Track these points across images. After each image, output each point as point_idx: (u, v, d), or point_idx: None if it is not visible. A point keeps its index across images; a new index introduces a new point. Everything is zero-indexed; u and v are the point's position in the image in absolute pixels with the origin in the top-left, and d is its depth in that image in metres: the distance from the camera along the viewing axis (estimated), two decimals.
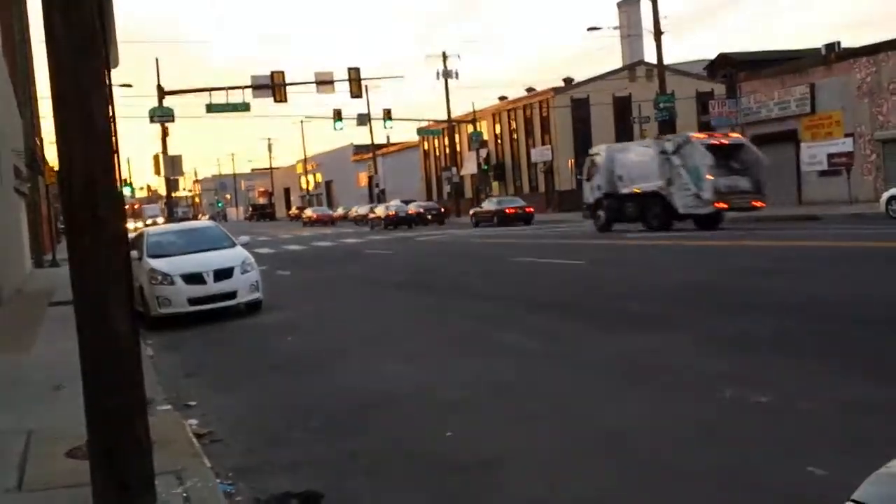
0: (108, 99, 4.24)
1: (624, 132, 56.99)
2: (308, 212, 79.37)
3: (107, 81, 4.24)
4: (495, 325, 11.07)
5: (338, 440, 6.36)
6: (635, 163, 29.56)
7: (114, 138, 4.25)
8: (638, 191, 29.01)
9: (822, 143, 33.52)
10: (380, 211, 54.32)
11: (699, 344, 8.82)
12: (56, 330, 12.26)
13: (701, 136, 28.93)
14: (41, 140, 33.87)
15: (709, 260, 17.74)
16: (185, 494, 4.71)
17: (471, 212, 49.36)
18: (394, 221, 50.65)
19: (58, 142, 4.21)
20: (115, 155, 4.25)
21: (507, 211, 44.93)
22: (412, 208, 53.13)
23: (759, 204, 26.93)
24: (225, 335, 12.44)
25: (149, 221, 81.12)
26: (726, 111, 40.38)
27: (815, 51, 42.42)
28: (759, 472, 5.01)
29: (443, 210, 58.60)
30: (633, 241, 24.56)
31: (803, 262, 15.78)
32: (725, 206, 26.48)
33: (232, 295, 13.97)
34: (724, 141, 28.11)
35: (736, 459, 5.25)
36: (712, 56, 58.64)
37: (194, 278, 13.77)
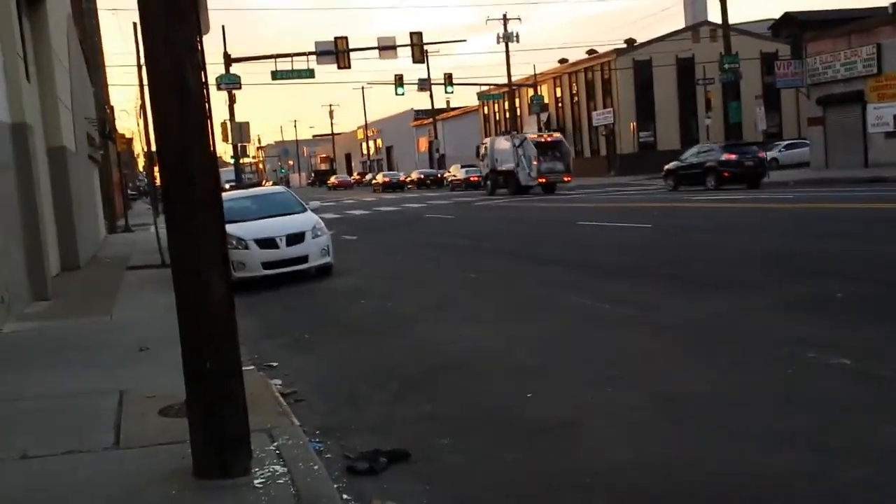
0: (201, 65, 4.30)
1: (687, 94, 55.96)
2: (379, 176, 79.17)
3: (198, 48, 4.29)
4: (564, 289, 11.04)
5: (417, 401, 6.44)
6: (502, 150, 42.25)
7: (207, 104, 4.31)
8: (503, 169, 42.03)
9: (889, 105, 32.47)
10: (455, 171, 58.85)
11: (773, 307, 8.69)
12: (134, 293, 12.62)
13: (533, 136, 42.75)
14: (111, 108, 34.60)
15: (775, 223, 17.38)
16: (277, 451, 4.82)
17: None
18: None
19: (153, 108, 4.29)
20: (209, 120, 4.32)
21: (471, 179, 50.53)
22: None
23: (567, 179, 41.31)
24: (299, 299, 12.64)
25: (226, 186, 78.49)
26: (791, 72, 39.31)
27: (883, 10, 40.93)
28: (841, 435, 4.94)
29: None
30: (697, 204, 24.17)
31: (867, 224, 15.37)
32: (545, 180, 39.98)
33: (304, 259, 14.19)
34: (548, 139, 42.10)
35: (816, 423, 5.19)
36: (777, 15, 57.11)
37: (268, 243, 14.02)
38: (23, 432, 5.41)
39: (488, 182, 43.88)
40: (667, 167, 35.19)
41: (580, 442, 5.27)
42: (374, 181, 76.28)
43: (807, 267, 11.15)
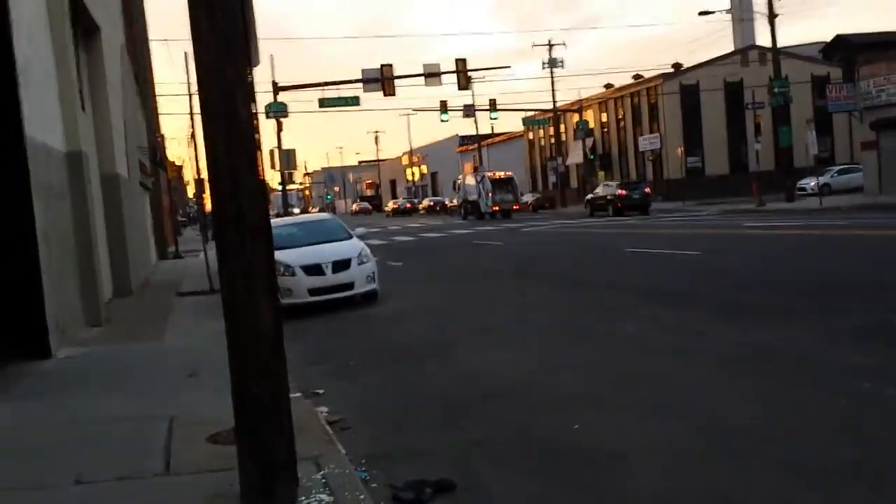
0: (251, 96, 4.37)
1: (736, 119, 55.38)
2: (426, 201, 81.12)
3: (249, 80, 4.37)
4: (611, 316, 10.94)
5: (462, 429, 6.41)
6: (469, 185, 55.29)
7: (256, 135, 4.38)
8: (470, 199, 54.50)
9: None
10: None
11: (826, 335, 8.53)
12: (185, 319, 12.79)
13: (490, 174, 54.61)
14: (162, 136, 35.33)
15: (825, 249, 17.05)
16: (324, 480, 4.83)
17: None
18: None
19: (204, 138, 4.37)
20: (258, 151, 4.38)
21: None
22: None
23: (516, 207, 53.19)
24: (344, 325, 12.70)
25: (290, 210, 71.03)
26: (843, 95, 38.67)
27: None
28: None
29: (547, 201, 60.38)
30: (750, 231, 23.83)
31: None
32: (497, 208, 51.50)
33: (349, 286, 14.27)
34: (501, 176, 54.01)
35: (871, 456, 5.04)
36: (828, 38, 56.33)
37: (314, 269, 14.14)
38: (76, 457, 5.49)
39: (461, 209, 57.14)
40: (587, 198, 48.40)
41: (627, 473, 5.19)
42: (385, 208, 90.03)
43: (860, 294, 10.91)
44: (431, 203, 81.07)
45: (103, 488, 4.87)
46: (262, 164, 4.39)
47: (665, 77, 58.02)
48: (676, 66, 60.08)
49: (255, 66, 4.63)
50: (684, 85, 56.96)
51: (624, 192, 42.46)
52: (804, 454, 5.22)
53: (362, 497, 4.64)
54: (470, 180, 55.79)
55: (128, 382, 8.17)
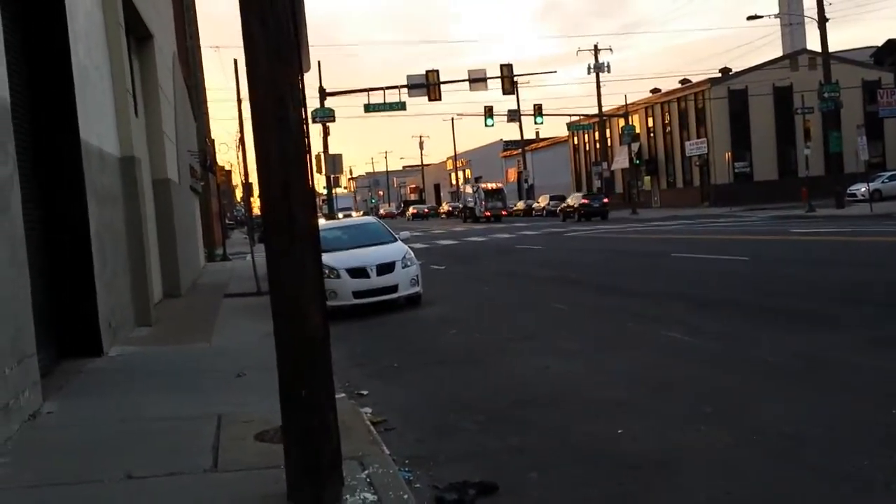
0: (301, 102, 4.47)
1: (785, 124, 54.59)
2: (445, 205, 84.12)
3: (300, 85, 4.47)
4: (655, 322, 10.89)
5: (504, 433, 6.45)
6: (468, 194, 68.46)
7: (306, 140, 4.48)
8: (468, 206, 66.93)
9: None
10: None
11: (873, 343, 8.44)
12: (232, 321, 13.01)
13: (484, 185, 67.63)
14: (212, 141, 35.88)
15: (874, 257, 16.75)
16: (368, 480, 4.91)
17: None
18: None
19: (255, 144, 4.48)
20: (308, 155, 4.48)
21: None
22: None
23: (504, 213, 63.92)
24: (388, 328, 12.81)
25: (340, 216, 66.96)
26: (895, 101, 37.90)
27: None
28: None
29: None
30: (798, 237, 23.48)
31: None
32: (489, 213, 62.31)
33: (393, 289, 14.39)
34: (492, 187, 66.31)
35: None
36: (879, 43, 55.18)
37: (359, 272, 14.28)
38: (128, 453, 5.64)
39: (462, 214, 69.67)
40: (560, 206, 57.04)
41: (670, 480, 5.19)
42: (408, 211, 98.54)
43: None
44: (450, 208, 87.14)
45: (153, 483, 5.01)
46: (311, 171, 4.49)
47: (713, 82, 57.38)
48: (724, 70, 59.38)
49: (306, 71, 4.74)
50: (732, 90, 56.28)
51: (586, 201, 52.79)
52: (849, 462, 5.18)
53: (406, 497, 4.71)
54: (468, 190, 70.59)
55: (177, 381, 8.35)
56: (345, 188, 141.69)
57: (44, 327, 7.93)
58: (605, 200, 53.11)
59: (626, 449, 5.85)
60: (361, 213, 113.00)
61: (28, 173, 8.06)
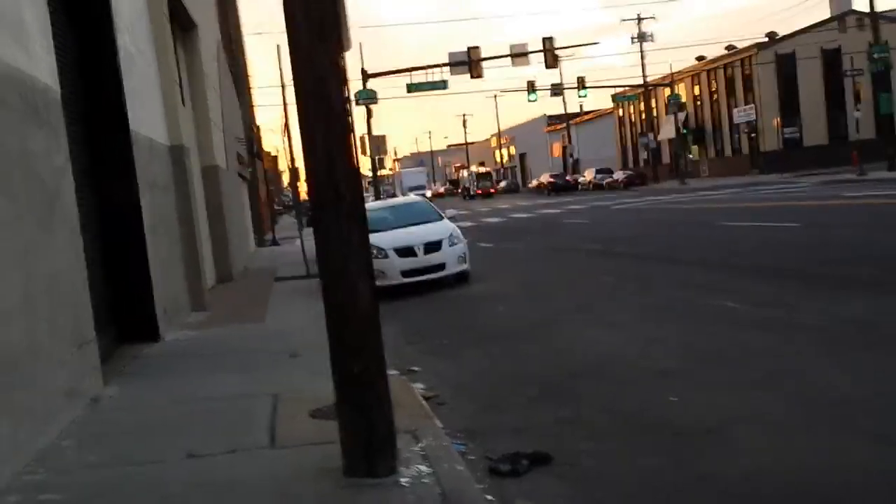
0: (343, 80, 4.50)
1: (834, 87, 53.37)
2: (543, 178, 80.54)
3: (341, 64, 4.50)
4: (704, 292, 10.79)
5: (556, 405, 6.47)
6: (465, 177, 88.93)
7: (349, 118, 4.51)
8: (466, 186, 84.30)
9: None
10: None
11: None
12: (284, 303, 13.19)
13: (474, 168, 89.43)
14: (258, 128, 36.24)
15: None
16: (422, 452, 4.97)
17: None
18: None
19: (300, 123, 4.53)
20: (351, 134, 4.52)
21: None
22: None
23: (493, 190, 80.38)
24: (437, 305, 12.89)
25: (409, 194, 58.99)
26: None
27: None
28: None
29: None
30: (849, 202, 22.99)
31: None
32: (480, 191, 79.34)
33: (441, 267, 14.45)
34: (482, 170, 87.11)
35: None
36: None
37: (406, 251, 14.37)
38: (187, 433, 5.78)
39: (463, 191, 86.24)
40: (532, 183, 75.91)
41: (723, 447, 5.17)
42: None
43: None
44: (444, 189, 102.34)
45: (213, 461, 5.13)
46: (355, 148, 4.53)
47: (760, 47, 56.26)
48: (771, 35, 58.15)
49: (347, 50, 4.76)
50: (780, 54, 55.15)
51: (553, 179, 68.27)
52: None
53: (460, 468, 4.76)
54: (464, 174, 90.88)
55: (232, 362, 8.50)
56: (390, 170, 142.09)
57: (102, 314, 8.14)
58: (568, 178, 69.99)
59: (677, 417, 5.83)
60: (440, 187, 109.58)
61: (81, 163, 8.24)
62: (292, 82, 4.44)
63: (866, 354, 6.95)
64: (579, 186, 68.57)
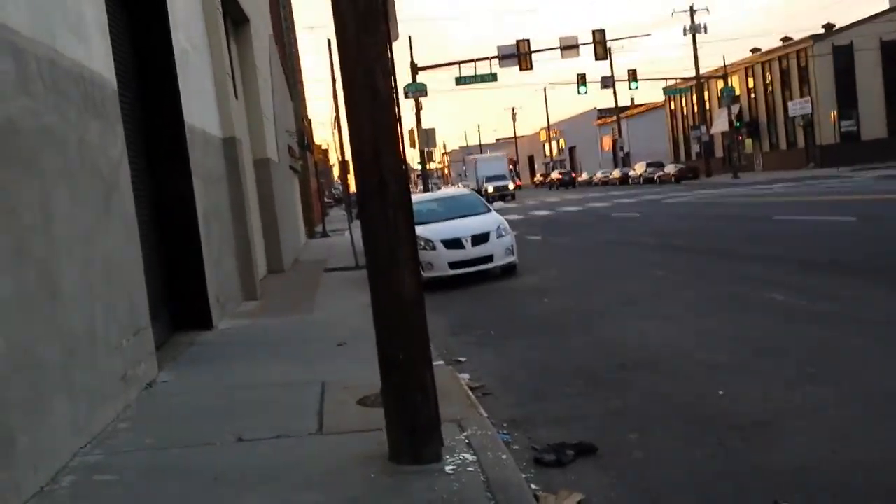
0: (391, 71, 4.55)
1: (893, 79, 52.01)
2: (598, 174, 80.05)
3: (388, 54, 4.55)
4: (758, 286, 10.64)
5: (603, 397, 6.45)
6: (465, 171, 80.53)
7: (396, 108, 4.56)
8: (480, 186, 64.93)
9: None
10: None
11: None
12: (333, 294, 13.34)
13: (482, 156, 75.48)
14: (309, 121, 36.61)
15: None
16: (467, 441, 5.01)
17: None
18: None
19: (347, 112, 4.59)
20: (398, 124, 4.56)
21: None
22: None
23: (515, 187, 66.94)
24: (485, 297, 12.91)
25: (490, 188, 60.29)
26: None
27: None
28: None
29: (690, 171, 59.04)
30: None
31: None
32: (495, 193, 59.27)
33: (489, 259, 14.47)
34: (493, 157, 72.40)
35: None
36: None
37: (454, 243, 14.43)
38: (238, 418, 5.90)
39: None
40: (546, 179, 76.58)
41: (774, 440, 5.11)
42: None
43: None
44: (558, 176, 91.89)
45: (262, 445, 5.24)
46: (401, 137, 4.57)
47: (816, 38, 55.05)
48: (828, 26, 56.87)
49: (395, 40, 4.81)
50: (837, 46, 53.89)
51: (560, 176, 74.25)
52: None
53: (504, 457, 4.78)
54: (464, 169, 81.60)
55: (282, 351, 8.64)
56: (439, 163, 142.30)
57: (157, 302, 8.33)
58: (573, 175, 74.44)
59: (727, 409, 5.77)
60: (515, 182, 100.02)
61: (137, 155, 8.44)
62: (340, 72, 4.49)
63: None
64: (630, 181, 67.97)
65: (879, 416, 5.34)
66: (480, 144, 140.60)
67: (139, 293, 7.13)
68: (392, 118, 4.48)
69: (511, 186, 64.15)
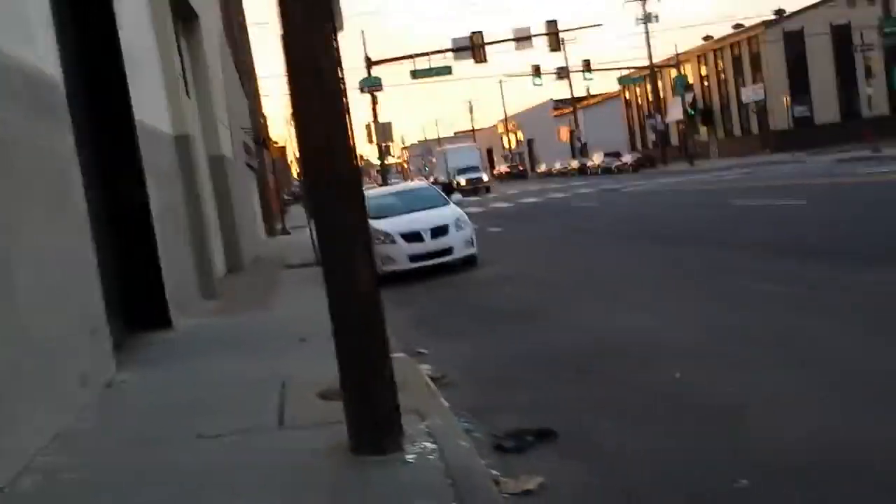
0: (337, 60, 4.53)
1: (845, 64, 52.92)
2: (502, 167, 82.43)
3: (335, 45, 4.53)
4: (723, 271, 10.77)
5: (565, 385, 6.50)
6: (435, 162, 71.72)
7: (344, 97, 4.55)
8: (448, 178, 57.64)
9: None
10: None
11: None
12: (293, 290, 13.27)
13: (451, 146, 70.49)
14: (264, 118, 36.34)
15: None
16: (427, 430, 5.02)
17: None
18: None
19: (293, 102, 4.56)
20: (347, 113, 4.55)
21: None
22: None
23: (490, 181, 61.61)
24: (446, 289, 12.94)
25: (460, 179, 54.92)
26: None
27: None
28: None
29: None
30: (856, 180, 22.88)
31: None
32: (467, 186, 54.26)
33: (448, 251, 14.50)
34: (464, 147, 67.91)
35: None
36: None
37: (414, 236, 14.44)
38: (198, 415, 5.85)
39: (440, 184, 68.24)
40: (494, 172, 74.18)
41: (745, 424, 5.11)
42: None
43: None
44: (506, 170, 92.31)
45: (222, 441, 5.20)
46: (351, 126, 4.56)
47: (767, 25, 55.86)
48: (779, 12, 57.75)
49: (340, 30, 4.78)
50: (788, 31, 54.75)
51: (508, 169, 75.36)
52: None
53: (465, 445, 4.81)
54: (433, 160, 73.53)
55: (242, 348, 8.58)
56: (398, 157, 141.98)
57: (114, 302, 8.21)
58: (520, 167, 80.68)
59: (692, 393, 5.82)
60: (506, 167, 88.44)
61: (87, 154, 8.30)
62: (285, 64, 4.47)
63: (893, 326, 6.88)
64: (588, 171, 68.39)
65: (847, 398, 5.37)
66: (439, 138, 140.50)
67: (94, 293, 7.03)
68: (340, 108, 4.46)
69: (486, 178, 58.83)
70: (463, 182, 53.96)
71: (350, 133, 4.50)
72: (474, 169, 58.69)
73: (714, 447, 4.80)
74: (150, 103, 10.78)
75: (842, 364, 6.08)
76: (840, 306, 7.92)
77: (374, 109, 41.87)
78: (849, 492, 4.03)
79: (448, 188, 53.56)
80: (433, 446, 4.74)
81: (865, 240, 11.60)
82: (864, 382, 5.62)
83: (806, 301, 8.38)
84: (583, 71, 55.16)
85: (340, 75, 4.45)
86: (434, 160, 75.79)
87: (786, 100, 52.80)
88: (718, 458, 4.59)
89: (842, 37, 53.00)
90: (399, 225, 14.68)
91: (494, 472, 4.70)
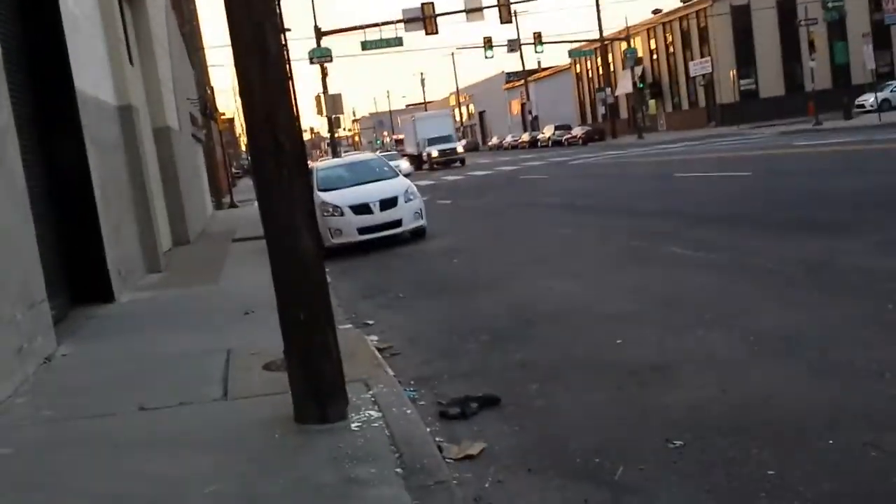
0: (280, 29, 4.49)
1: (790, 38, 53.64)
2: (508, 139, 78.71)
3: (277, 10, 4.48)
4: (659, 240, 10.96)
5: (508, 352, 6.58)
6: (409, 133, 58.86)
7: (287, 65, 4.51)
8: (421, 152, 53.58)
9: None
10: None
11: (871, 248, 8.47)
12: (240, 263, 13.17)
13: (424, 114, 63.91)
14: (212, 89, 35.72)
15: (881, 164, 16.67)
16: (373, 399, 5.05)
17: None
18: None
19: (237, 71, 4.51)
20: (290, 82, 4.52)
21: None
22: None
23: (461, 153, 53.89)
24: (394, 261, 12.95)
25: (432, 150, 51.03)
26: None
27: None
28: None
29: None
30: (796, 151, 23.35)
31: None
32: (440, 159, 51.49)
33: (398, 223, 14.49)
34: (398, 137, 65.66)
35: None
36: None
37: (362, 209, 14.38)
38: (140, 388, 5.81)
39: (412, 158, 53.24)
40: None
41: (669, 382, 5.31)
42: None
43: None
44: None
45: (165, 413, 5.18)
46: (294, 96, 4.53)
47: None
48: None
49: None
50: (735, 6, 55.29)
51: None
52: (844, 356, 5.28)
53: (409, 412, 4.85)
54: (409, 130, 59.32)
55: (187, 321, 8.51)
56: (349, 130, 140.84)
57: (54, 275, 8.07)
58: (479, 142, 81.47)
59: (626, 357, 5.96)
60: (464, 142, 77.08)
61: (25, 123, 8.10)
62: (228, 31, 4.41)
63: (816, 293, 7.12)
64: (539, 144, 68.55)
65: (768, 355, 5.60)
66: (391, 111, 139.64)
67: (33, 266, 6.90)
68: (284, 75, 4.43)
69: (460, 149, 53.07)
70: (435, 153, 50.37)
71: (293, 102, 4.47)
72: (447, 139, 52.99)
73: (643, 405, 4.94)
74: (93, 73, 10.54)
75: (760, 326, 6.27)
76: (762, 272, 8.14)
77: (323, 81, 41.40)
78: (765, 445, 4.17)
79: (418, 161, 50.25)
80: (378, 415, 4.78)
81: (796, 209, 11.86)
82: (777, 342, 5.82)
83: (732, 267, 8.62)
84: (534, 44, 55.09)
85: (283, 42, 4.41)
86: (402, 131, 68.24)
87: (732, 73, 53.43)
88: (649, 416, 4.72)
89: (787, 11, 53.68)
90: (348, 197, 14.62)
91: (438, 438, 4.75)
